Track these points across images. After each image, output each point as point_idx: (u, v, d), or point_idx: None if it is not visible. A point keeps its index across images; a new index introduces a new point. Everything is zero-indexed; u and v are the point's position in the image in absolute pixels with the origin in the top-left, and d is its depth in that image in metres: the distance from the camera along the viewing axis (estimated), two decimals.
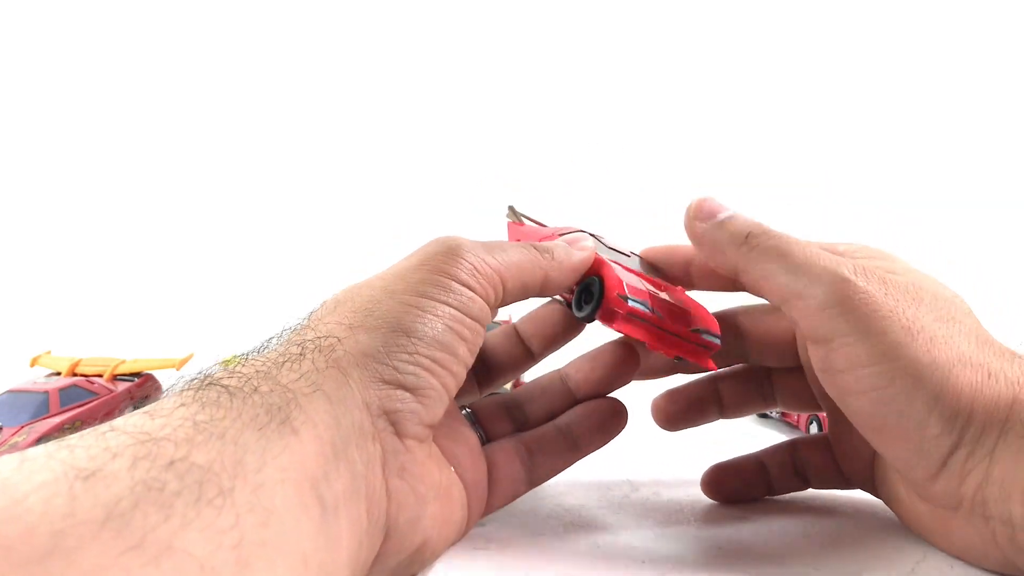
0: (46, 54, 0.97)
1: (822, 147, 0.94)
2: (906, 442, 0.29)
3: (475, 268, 0.30)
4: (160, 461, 0.19)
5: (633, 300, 0.32)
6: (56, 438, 0.42)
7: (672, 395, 0.39)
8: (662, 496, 0.39)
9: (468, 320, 0.29)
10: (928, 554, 0.32)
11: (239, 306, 0.83)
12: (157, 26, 0.97)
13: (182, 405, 0.22)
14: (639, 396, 0.39)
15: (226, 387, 0.23)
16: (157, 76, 0.97)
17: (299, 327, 0.28)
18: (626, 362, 0.36)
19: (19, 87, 0.97)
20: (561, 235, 0.35)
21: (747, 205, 0.34)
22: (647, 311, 0.33)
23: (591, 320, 0.33)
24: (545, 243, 0.33)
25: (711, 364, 0.35)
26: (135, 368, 0.52)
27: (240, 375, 0.24)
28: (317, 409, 0.24)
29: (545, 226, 0.39)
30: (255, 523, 0.20)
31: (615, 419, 0.36)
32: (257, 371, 0.25)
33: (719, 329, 0.35)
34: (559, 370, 0.38)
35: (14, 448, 0.40)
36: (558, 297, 0.37)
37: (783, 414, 0.54)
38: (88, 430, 0.20)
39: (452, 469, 0.31)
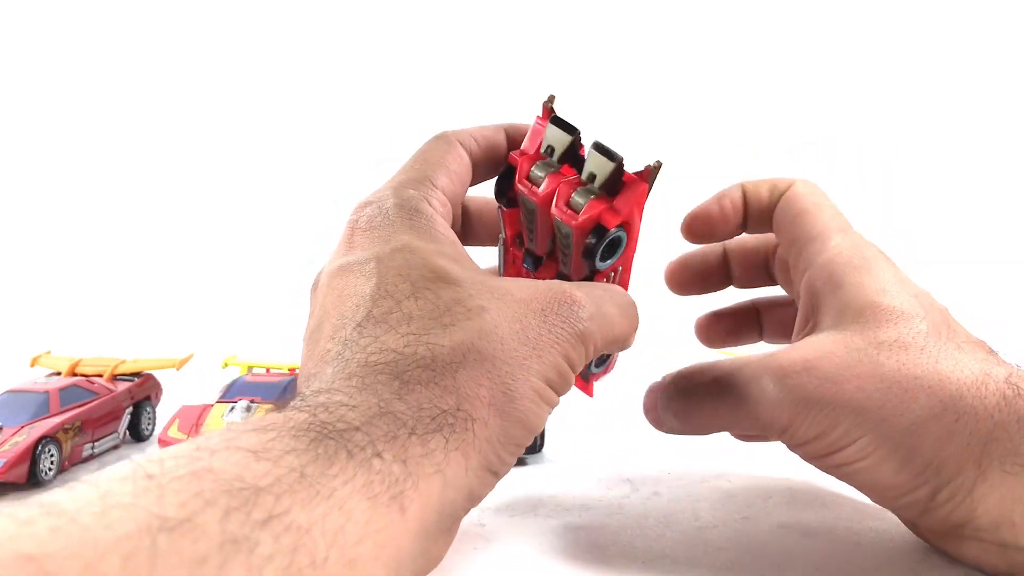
0: (46, 54, 0.97)
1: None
2: (887, 500, 0.30)
3: (587, 356, 0.28)
4: (256, 515, 0.18)
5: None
6: (57, 438, 0.42)
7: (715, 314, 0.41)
8: (662, 496, 0.39)
9: (557, 401, 0.28)
10: (928, 555, 0.32)
11: (239, 306, 0.83)
12: (157, 27, 0.97)
13: (293, 451, 0.20)
14: (639, 395, 0.39)
15: (346, 444, 0.21)
16: (157, 77, 0.97)
17: (430, 373, 0.25)
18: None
19: (19, 87, 0.97)
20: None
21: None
22: None
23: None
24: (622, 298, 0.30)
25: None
26: (135, 368, 0.52)
27: (366, 434, 0.22)
28: (432, 492, 0.23)
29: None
30: None
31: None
32: (385, 434, 0.22)
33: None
34: None
35: (15, 448, 0.40)
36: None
37: None
38: (184, 461, 0.19)
39: None
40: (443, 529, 0.25)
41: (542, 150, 0.31)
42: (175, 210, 0.95)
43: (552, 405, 0.27)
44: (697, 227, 0.36)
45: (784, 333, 0.39)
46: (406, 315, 0.26)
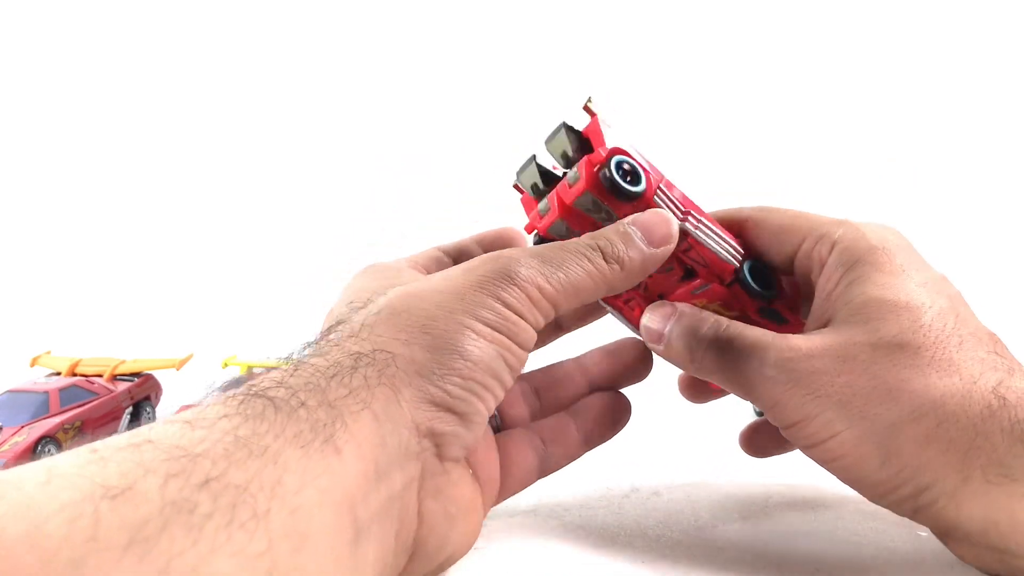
0: (46, 54, 0.97)
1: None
2: (876, 496, 0.30)
3: (529, 298, 0.28)
4: (194, 479, 0.19)
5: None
6: (56, 438, 0.42)
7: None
8: (662, 496, 0.39)
9: (517, 349, 0.28)
10: (928, 554, 0.32)
11: (239, 306, 0.83)
12: (157, 27, 0.97)
13: (225, 416, 0.21)
14: (639, 395, 0.39)
15: (272, 399, 0.22)
16: (157, 77, 0.97)
17: (351, 331, 0.27)
18: (644, 359, 0.37)
19: (19, 87, 0.97)
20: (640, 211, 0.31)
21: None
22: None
23: (769, 299, 0.33)
24: (614, 238, 0.30)
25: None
26: (135, 368, 0.52)
27: (288, 387, 0.23)
28: (363, 429, 0.24)
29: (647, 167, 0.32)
30: (288, 549, 0.19)
31: (620, 413, 0.36)
32: (306, 383, 0.24)
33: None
34: (577, 359, 0.38)
35: (15, 447, 0.40)
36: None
37: None
38: (125, 438, 0.20)
39: (469, 472, 0.30)
40: (394, 464, 0.24)
41: (533, 195, 0.33)
42: (175, 210, 0.95)
43: (494, 341, 0.27)
44: None
45: None
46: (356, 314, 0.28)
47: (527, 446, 0.34)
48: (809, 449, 0.30)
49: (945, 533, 0.30)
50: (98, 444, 0.19)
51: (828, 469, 0.31)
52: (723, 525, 0.36)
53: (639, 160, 0.31)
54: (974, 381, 0.28)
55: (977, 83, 0.94)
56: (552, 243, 0.30)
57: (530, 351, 0.29)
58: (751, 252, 0.35)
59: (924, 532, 0.34)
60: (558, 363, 0.38)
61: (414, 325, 0.27)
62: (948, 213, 0.90)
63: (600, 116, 0.32)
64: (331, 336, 0.27)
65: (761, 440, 0.39)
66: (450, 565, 0.29)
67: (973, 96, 0.94)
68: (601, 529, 0.35)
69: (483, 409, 0.27)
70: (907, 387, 0.28)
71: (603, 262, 0.30)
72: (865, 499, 0.36)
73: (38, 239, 0.94)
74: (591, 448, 0.36)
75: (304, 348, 0.28)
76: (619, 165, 0.30)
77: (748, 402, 0.33)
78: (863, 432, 0.28)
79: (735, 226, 0.35)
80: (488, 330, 0.27)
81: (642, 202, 0.31)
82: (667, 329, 0.32)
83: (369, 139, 0.96)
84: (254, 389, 0.23)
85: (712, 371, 0.31)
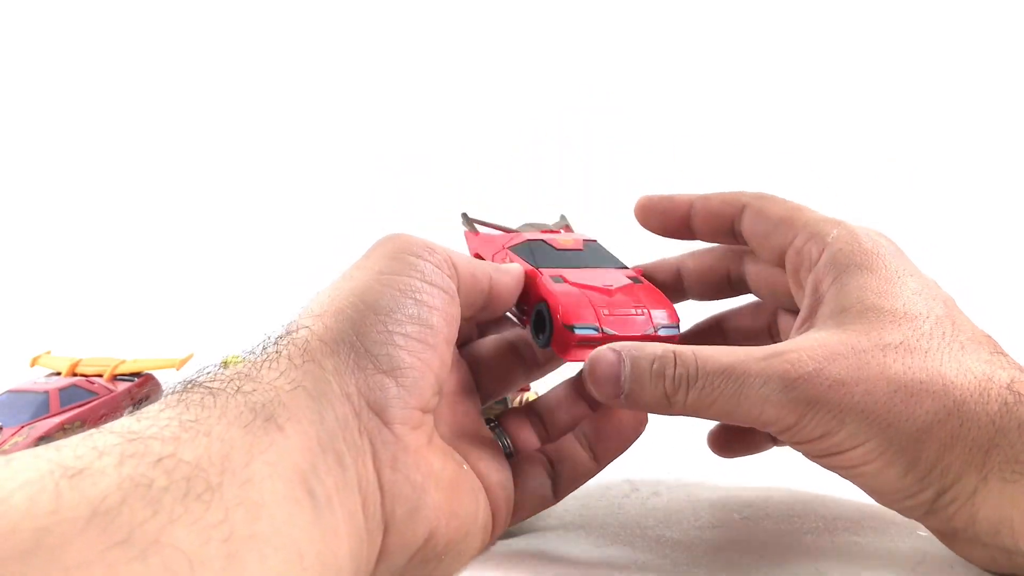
0: (46, 54, 0.97)
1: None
2: (892, 501, 0.30)
3: (428, 246, 0.30)
4: (148, 458, 0.19)
5: (580, 328, 0.32)
6: (56, 438, 0.42)
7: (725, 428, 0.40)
8: (662, 496, 0.39)
9: (432, 288, 0.29)
10: (928, 555, 0.32)
11: (239, 306, 0.83)
12: (157, 27, 0.97)
13: (167, 407, 0.22)
14: None
15: (209, 388, 0.23)
16: (157, 77, 0.97)
17: (283, 327, 0.28)
18: None
19: (19, 87, 0.97)
20: (512, 245, 0.36)
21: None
22: (596, 334, 0.32)
23: (548, 347, 0.33)
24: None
25: None
26: (135, 368, 0.52)
27: (223, 378, 0.24)
28: (300, 406, 0.24)
29: (506, 230, 0.39)
30: (245, 517, 0.20)
31: (633, 427, 0.35)
32: (239, 373, 0.25)
33: (676, 316, 0.34)
34: (574, 378, 0.38)
35: (15, 448, 0.40)
36: (511, 317, 0.37)
37: None
38: (77, 435, 0.20)
39: (464, 465, 0.30)
40: (337, 438, 0.25)
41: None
42: (175, 210, 0.95)
43: (399, 288, 0.28)
44: (648, 211, 0.38)
45: None
46: None
47: (539, 470, 0.33)
48: (826, 459, 0.29)
49: (953, 534, 0.29)
50: (54, 442, 0.20)
51: (843, 476, 0.30)
52: (723, 525, 0.36)
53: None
54: (989, 379, 0.28)
55: (976, 84, 0.94)
56: None
57: (453, 293, 0.29)
58: (742, 240, 0.36)
59: (924, 532, 0.34)
60: (559, 385, 0.37)
61: (324, 299, 0.28)
62: (947, 213, 0.90)
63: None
64: (266, 340, 0.28)
65: (730, 440, 0.39)
66: (442, 547, 0.27)
67: (972, 97, 0.94)
68: (601, 529, 0.35)
69: (415, 361, 0.27)
70: (926, 389, 0.28)
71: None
72: (866, 500, 0.36)
73: (38, 239, 0.94)
74: (606, 464, 0.35)
75: (253, 347, 0.28)
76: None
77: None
78: (888, 440, 0.28)
79: (733, 210, 0.35)
80: (393, 278, 0.28)
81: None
82: (624, 381, 0.29)
83: (369, 139, 0.96)
84: (190, 383, 0.24)
85: (702, 411, 0.29)
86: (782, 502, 0.38)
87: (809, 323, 0.32)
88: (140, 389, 0.51)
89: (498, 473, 0.31)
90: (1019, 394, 0.28)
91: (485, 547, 0.31)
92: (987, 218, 0.89)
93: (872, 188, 0.91)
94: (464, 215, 0.40)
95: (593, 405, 0.35)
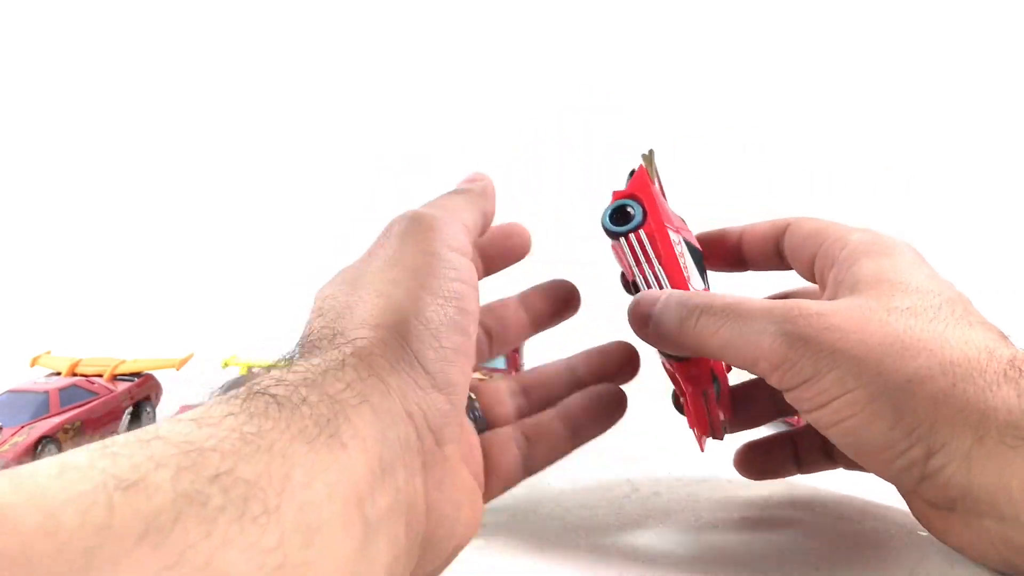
0: (46, 54, 0.97)
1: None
2: (881, 462, 0.29)
3: (451, 230, 0.30)
4: (205, 473, 0.19)
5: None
6: (56, 438, 0.42)
7: (752, 447, 0.40)
8: (662, 496, 0.39)
9: (468, 289, 0.28)
10: (928, 554, 0.32)
11: (239, 306, 0.83)
12: (157, 26, 0.97)
13: (230, 414, 0.21)
14: (641, 395, 0.39)
15: (274, 396, 0.22)
16: (157, 77, 0.97)
17: (325, 331, 0.27)
18: (631, 359, 0.37)
19: (19, 87, 0.97)
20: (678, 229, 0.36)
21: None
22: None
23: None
24: (462, 184, 0.35)
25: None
26: (135, 368, 0.52)
27: (287, 384, 0.23)
28: (364, 422, 0.23)
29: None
30: (299, 544, 0.19)
31: (615, 406, 0.36)
32: (304, 379, 0.24)
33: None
34: (568, 359, 0.38)
35: (15, 447, 0.40)
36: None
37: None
38: (132, 435, 0.20)
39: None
40: (396, 458, 0.24)
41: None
42: (175, 210, 0.95)
43: (447, 295, 0.28)
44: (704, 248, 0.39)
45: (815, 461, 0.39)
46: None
47: (509, 443, 0.34)
48: (815, 412, 0.29)
49: (950, 507, 0.29)
50: (108, 440, 0.19)
51: (832, 434, 0.29)
52: (723, 525, 0.36)
53: (646, 207, 0.34)
54: (990, 352, 0.28)
55: (974, 91, 0.94)
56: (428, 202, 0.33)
57: (477, 288, 0.30)
58: (786, 262, 0.37)
59: (924, 532, 0.34)
60: (546, 364, 0.38)
61: (375, 309, 0.27)
62: (945, 221, 0.90)
63: (650, 169, 0.36)
64: (311, 337, 0.27)
65: (756, 460, 0.39)
66: (457, 554, 0.28)
67: (970, 104, 0.94)
68: (601, 529, 0.35)
69: (460, 376, 0.27)
70: (924, 346, 0.28)
71: (471, 193, 0.34)
72: (866, 500, 0.36)
73: (38, 239, 0.94)
74: (580, 443, 0.35)
75: (291, 352, 0.28)
76: (617, 209, 0.34)
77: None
78: (876, 390, 0.28)
79: (777, 231, 0.37)
80: (438, 283, 0.28)
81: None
82: (656, 309, 0.32)
83: (369, 139, 0.96)
84: (256, 388, 0.23)
85: (706, 339, 0.31)
86: (782, 502, 0.38)
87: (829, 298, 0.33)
88: (140, 389, 0.51)
89: (474, 462, 0.32)
90: (1020, 369, 0.28)
91: None
92: (984, 226, 0.89)
93: (870, 196, 0.91)
94: (649, 153, 0.38)
95: (581, 384, 0.36)
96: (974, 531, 0.29)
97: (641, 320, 0.33)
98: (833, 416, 0.29)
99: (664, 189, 0.38)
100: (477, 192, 0.34)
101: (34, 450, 0.41)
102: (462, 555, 0.32)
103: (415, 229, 0.30)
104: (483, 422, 0.35)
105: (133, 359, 0.53)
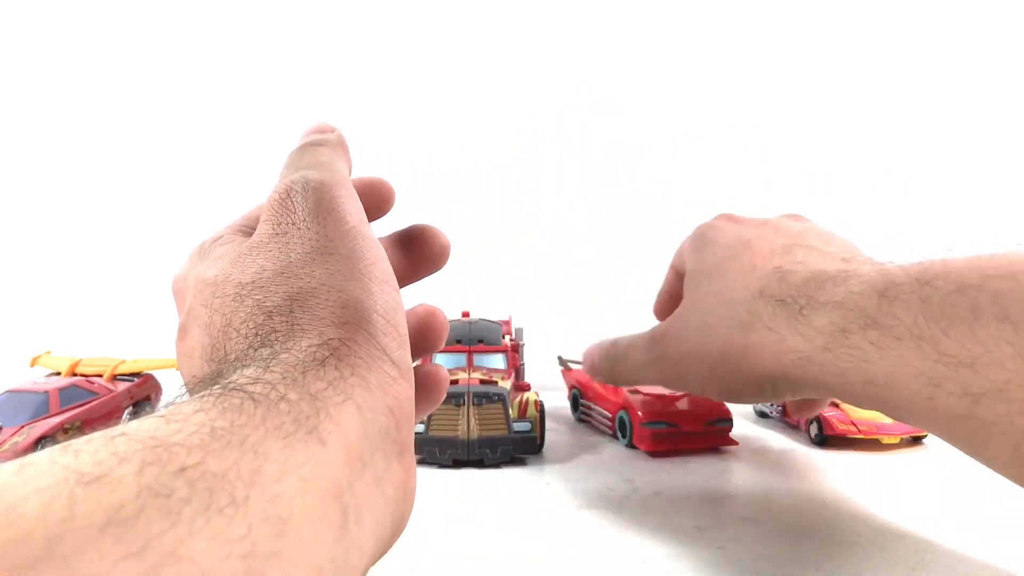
0: (46, 54, 0.97)
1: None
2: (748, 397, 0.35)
3: (354, 199, 0.30)
4: (170, 467, 0.18)
5: (650, 424, 0.47)
6: (56, 438, 0.42)
7: None
8: (662, 496, 0.39)
9: (385, 263, 0.28)
10: (928, 555, 0.32)
11: None
12: (158, 26, 0.97)
13: (200, 411, 0.21)
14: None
15: (250, 393, 0.22)
16: (157, 78, 0.97)
17: (275, 325, 0.27)
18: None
19: (19, 87, 0.97)
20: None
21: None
22: (664, 428, 0.47)
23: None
24: (320, 136, 0.36)
25: (732, 440, 0.48)
26: (135, 368, 0.52)
27: (266, 382, 0.23)
28: (347, 420, 0.23)
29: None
30: (269, 533, 0.19)
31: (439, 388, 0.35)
32: (283, 377, 0.24)
33: (729, 413, 0.48)
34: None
35: (15, 447, 0.40)
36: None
37: (782, 413, 0.54)
38: (99, 433, 0.19)
39: None
40: (377, 449, 0.24)
41: None
42: (175, 210, 0.95)
43: (372, 268, 0.28)
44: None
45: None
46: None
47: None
48: (696, 392, 0.37)
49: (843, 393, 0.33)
50: (72, 441, 0.19)
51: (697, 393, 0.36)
52: (723, 525, 0.36)
53: None
54: (756, 295, 0.35)
55: (972, 92, 0.94)
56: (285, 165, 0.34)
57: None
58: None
59: (924, 533, 0.34)
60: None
61: (332, 303, 0.27)
62: (943, 221, 0.90)
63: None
64: (271, 334, 0.27)
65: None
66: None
67: (968, 105, 0.94)
68: (601, 529, 0.35)
69: (411, 359, 0.27)
70: (723, 324, 0.35)
71: (320, 144, 0.35)
72: (865, 499, 0.36)
73: (38, 239, 0.94)
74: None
75: (248, 349, 0.27)
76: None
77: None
78: (708, 369, 0.35)
79: (675, 282, 0.43)
80: (371, 266, 0.28)
81: None
82: (597, 361, 0.43)
83: (369, 139, 0.96)
84: (230, 385, 0.23)
85: (617, 377, 0.41)
86: (782, 502, 0.38)
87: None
88: (140, 389, 0.51)
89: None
90: (770, 297, 0.34)
91: None
92: (983, 226, 0.89)
93: (868, 196, 0.91)
94: (559, 358, 0.59)
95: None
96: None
97: (592, 372, 0.43)
98: (698, 390, 0.36)
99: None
100: (336, 143, 0.34)
101: (34, 450, 0.41)
102: (463, 557, 0.32)
103: (325, 204, 0.29)
104: None
105: (133, 359, 0.53)
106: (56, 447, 0.19)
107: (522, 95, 0.94)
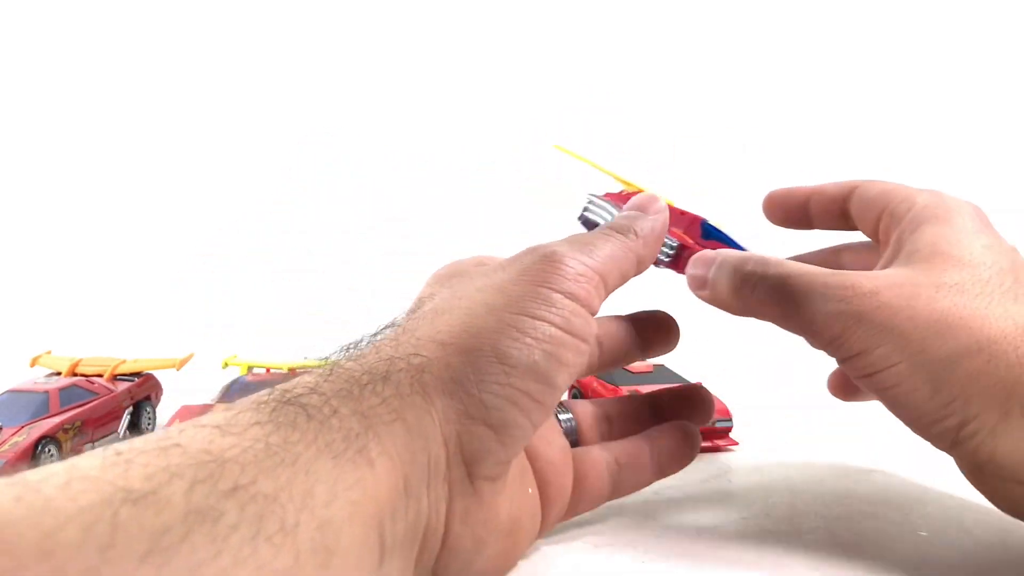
0: (46, 54, 0.97)
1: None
2: (921, 426, 0.30)
3: (578, 273, 0.28)
4: (222, 486, 0.18)
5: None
6: (56, 438, 0.42)
7: None
8: (662, 496, 0.39)
9: (570, 339, 0.26)
10: (928, 555, 0.32)
11: (239, 306, 0.83)
12: (158, 26, 0.97)
13: (256, 423, 0.20)
14: None
15: (304, 407, 0.22)
16: (157, 78, 0.97)
17: (393, 334, 0.26)
18: (708, 404, 0.38)
19: (19, 87, 0.97)
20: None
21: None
22: None
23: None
24: (624, 220, 0.32)
25: (732, 440, 0.47)
26: (135, 368, 0.52)
27: (320, 394, 0.22)
28: (395, 441, 0.23)
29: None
30: (315, 565, 0.19)
31: (692, 445, 0.36)
32: (339, 390, 0.23)
33: (729, 413, 0.47)
34: (648, 393, 0.39)
35: (15, 448, 0.40)
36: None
37: None
38: (153, 439, 0.19)
39: (529, 489, 0.29)
40: (423, 482, 0.23)
41: None
42: (175, 210, 0.95)
43: (542, 339, 0.26)
44: (773, 205, 0.40)
45: None
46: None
47: (602, 464, 0.33)
48: (864, 379, 0.31)
49: (978, 467, 0.30)
50: (123, 446, 0.18)
51: (881, 398, 0.31)
52: (723, 525, 0.36)
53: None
54: None
55: (971, 92, 0.94)
56: (573, 235, 0.32)
57: (590, 339, 0.28)
58: (852, 223, 0.39)
59: (924, 532, 0.34)
60: (625, 395, 0.38)
61: (455, 326, 0.25)
62: None
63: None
64: (376, 337, 0.26)
65: (848, 384, 0.40)
66: None
67: (967, 105, 0.94)
68: (601, 529, 0.35)
69: (525, 422, 0.25)
70: (964, 323, 0.29)
71: (622, 235, 0.31)
72: (866, 500, 0.36)
73: (38, 239, 0.94)
74: (661, 476, 0.35)
75: (345, 349, 0.27)
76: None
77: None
78: (917, 364, 0.29)
79: (844, 192, 0.38)
80: (533, 323, 0.26)
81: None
82: (711, 273, 0.33)
83: (369, 139, 0.96)
84: (287, 396, 0.22)
85: (763, 310, 0.32)
86: (782, 502, 0.38)
87: (885, 265, 0.33)
88: (140, 389, 0.51)
89: (563, 476, 0.31)
90: None
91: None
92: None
93: None
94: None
95: (660, 418, 0.36)
96: (1001, 490, 0.30)
97: (697, 283, 0.33)
98: (879, 384, 0.30)
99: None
100: (636, 236, 0.31)
101: (34, 450, 0.41)
102: None
103: (540, 263, 0.28)
104: (575, 435, 0.34)
105: (133, 359, 0.53)
106: (110, 450, 0.18)
107: (522, 95, 0.93)
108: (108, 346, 0.56)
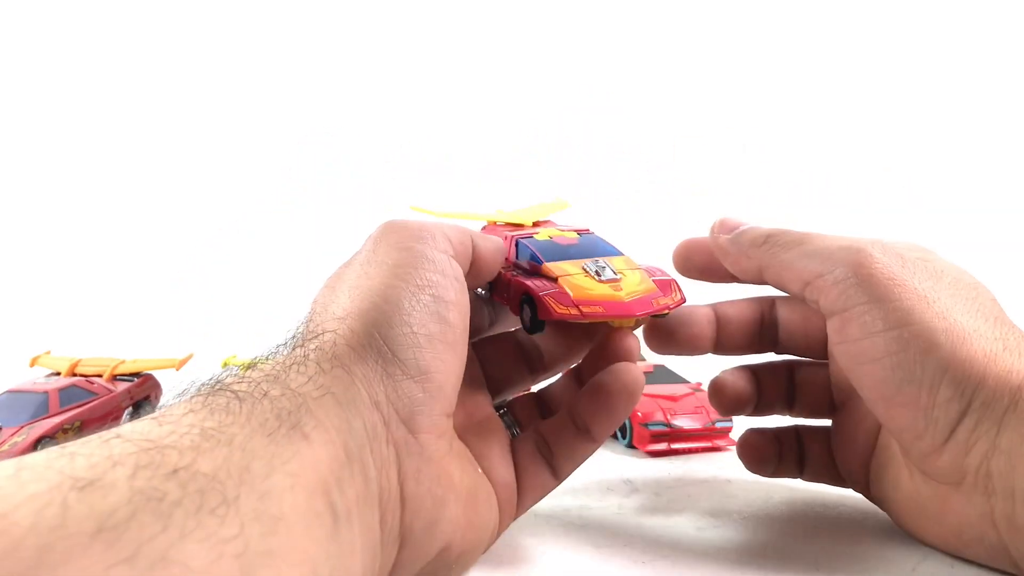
0: (46, 54, 0.97)
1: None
2: (916, 409, 0.29)
3: (429, 231, 0.29)
4: (163, 470, 0.19)
5: (650, 424, 0.46)
6: (56, 438, 0.42)
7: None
8: (662, 496, 0.39)
9: (445, 280, 0.28)
10: (928, 555, 0.32)
11: (239, 306, 0.83)
12: (158, 26, 0.97)
13: (191, 411, 0.21)
14: None
15: (235, 392, 0.23)
16: (157, 77, 0.97)
17: (304, 326, 0.28)
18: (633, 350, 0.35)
19: (19, 87, 0.97)
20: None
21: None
22: (664, 428, 0.46)
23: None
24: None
25: (732, 440, 0.47)
26: (135, 368, 0.52)
27: (250, 380, 0.23)
28: (328, 413, 0.23)
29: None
30: (261, 532, 0.19)
31: (625, 399, 0.32)
32: (267, 375, 0.24)
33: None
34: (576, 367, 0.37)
35: (15, 448, 0.40)
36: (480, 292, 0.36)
37: None
38: (94, 436, 0.20)
39: (478, 469, 0.30)
40: (364, 447, 0.24)
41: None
42: (175, 211, 0.95)
43: (422, 285, 0.27)
44: (686, 257, 0.38)
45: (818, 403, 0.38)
46: None
47: (533, 452, 0.32)
48: (862, 340, 0.30)
49: (959, 478, 0.29)
50: (69, 443, 0.19)
51: (868, 372, 0.30)
52: (723, 525, 0.36)
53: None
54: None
55: (971, 93, 0.94)
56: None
57: (465, 284, 0.29)
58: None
59: None
60: (559, 377, 0.36)
61: (345, 300, 0.27)
62: (943, 222, 0.90)
63: None
64: (293, 334, 0.28)
65: (761, 447, 0.38)
66: (455, 557, 0.27)
67: (967, 106, 0.94)
68: (601, 529, 0.35)
69: (439, 364, 0.27)
70: (970, 316, 0.29)
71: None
72: (864, 499, 0.36)
73: (38, 239, 0.94)
74: (602, 440, 0.32)
75: (277, 347, 0.28)
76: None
77: None
78: (938, 330, 0.28)
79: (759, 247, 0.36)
80: (411, 272, 0.27)
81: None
82: (740, 228, 0.35)
83: (369, 139, 0.96)
84: (218, 385, 0.23)
85: (774, 254, 0.33)
86: (782, 502, 0.38)
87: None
88: (140, 389, 0.51)
89: (505, 469, 0.31)
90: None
91: (489, 547, 0.31)
92: (983, 226, 0.89)
93: (868, 197, 0.91)
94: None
95: (585, 380, 0.34)
96: (975, 510, 0.28)
97: (729, 228, 0.35)
98: (883, 348, 0.29)
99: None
100: (470, 231, 0.33)
101: (33, 450, 0.41)
102: None
103: (391, 230, 0.30)
104: (517, 433, 0.33)
105: (133, 359, 0.53)
106: (54, 449, 0.19)
107: (522, 95, 0.93)
108: (107, 346, 0.56)
